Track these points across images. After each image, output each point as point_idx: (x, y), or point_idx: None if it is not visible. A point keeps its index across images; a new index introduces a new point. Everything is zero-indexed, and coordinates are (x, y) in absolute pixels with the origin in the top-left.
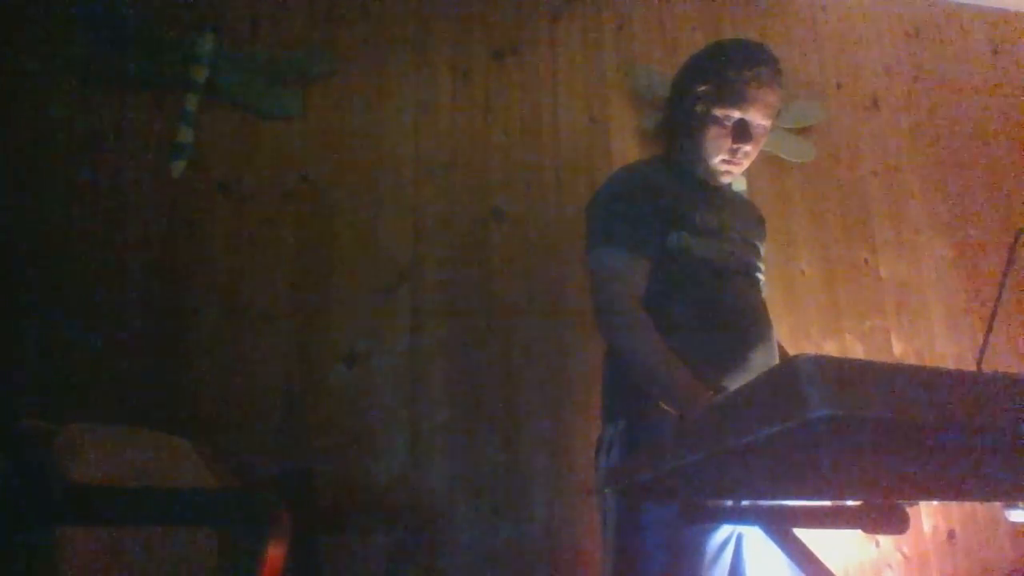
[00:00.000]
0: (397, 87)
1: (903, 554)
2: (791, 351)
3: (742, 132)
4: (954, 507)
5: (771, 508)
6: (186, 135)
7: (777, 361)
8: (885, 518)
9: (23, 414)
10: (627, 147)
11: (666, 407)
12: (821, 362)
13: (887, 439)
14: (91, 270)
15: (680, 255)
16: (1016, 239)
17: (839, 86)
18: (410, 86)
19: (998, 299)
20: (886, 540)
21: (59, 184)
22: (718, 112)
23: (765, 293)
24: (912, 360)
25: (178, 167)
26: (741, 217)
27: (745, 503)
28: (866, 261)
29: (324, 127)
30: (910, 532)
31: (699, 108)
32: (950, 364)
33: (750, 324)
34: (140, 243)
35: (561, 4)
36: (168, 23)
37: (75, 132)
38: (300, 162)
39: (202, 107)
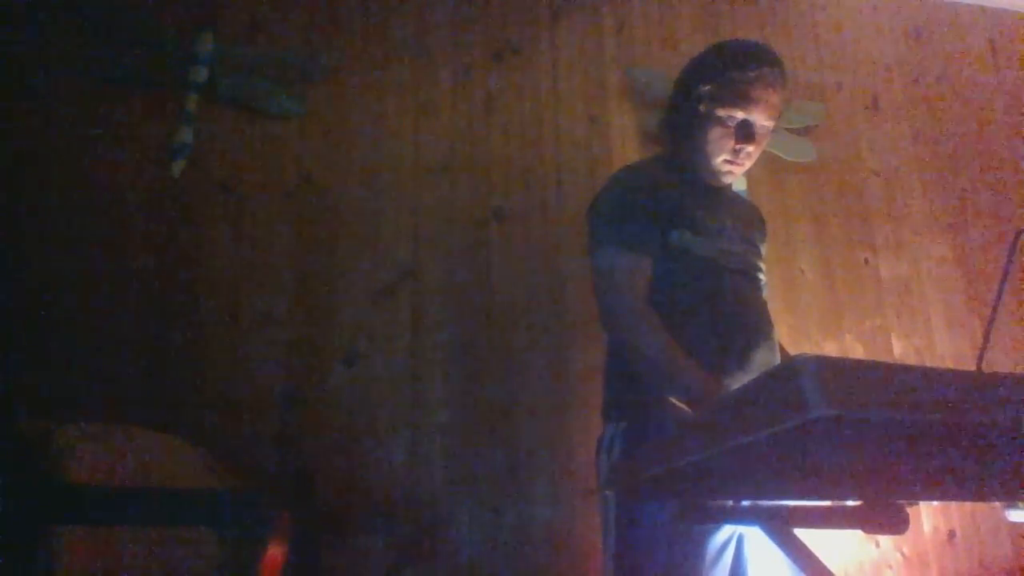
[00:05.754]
0: (397, 87)
1: (903, 554)
2: (791, 351)
3: (745, 133)
4: (954, 507)
5: (771, 508)
6: (186, 135)
7: (778, 361)
8: (885, 518)
9: (23, 414)
10: (627, 147)
11: (677, 402)
12: (821, 362)
13: (887, 439)
14: (91, 270)
15: (681, 254)
16: (1016, 239)
17: (839, 86)
18: (410, 86)
19: (998, 299)
20: (886, 540)
21: (59, 184)
22: (721, 112)
23: (766, 293)
24: (912, 360)
25: (178, 167)
26: (742, 217)
27: (745, 503)
28: (866, 261)
29: (324, 127)
30: (910, 532)
31: (702, 108)
32: (950, 364)
33: (751, 324)
34: (140, 243)
35: (561, 3)
36: (168, 23)
37: (75, 132)
38: (300, 162)
39: (202, 107)
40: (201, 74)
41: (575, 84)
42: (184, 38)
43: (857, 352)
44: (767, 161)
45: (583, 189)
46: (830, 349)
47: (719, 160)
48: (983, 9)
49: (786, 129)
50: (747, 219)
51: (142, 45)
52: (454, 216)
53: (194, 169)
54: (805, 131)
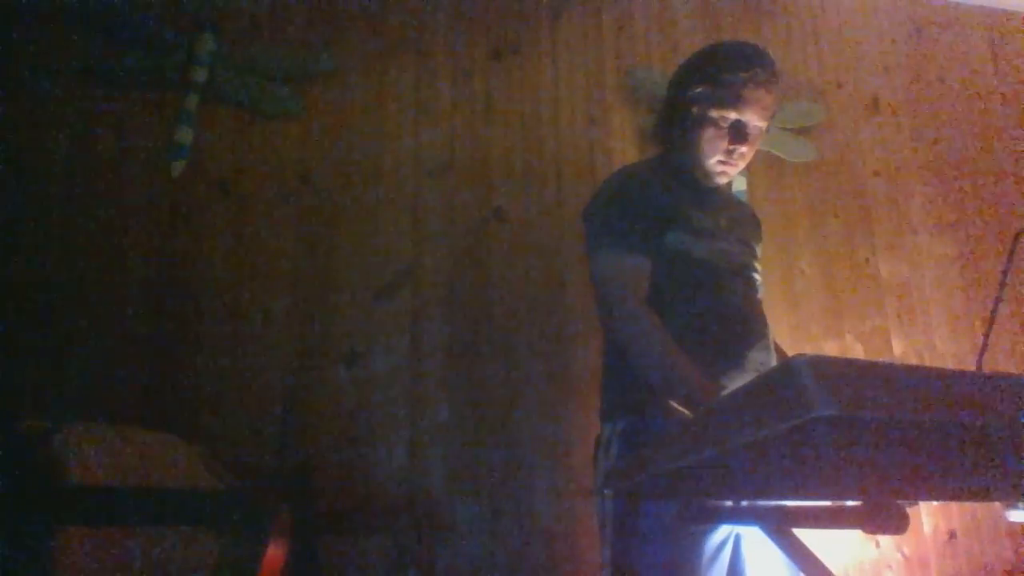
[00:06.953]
0: (397, 87)
1: (903, 554)
2: (791, 351)
3: (738, 133)
4: (954, 507)
5: (771, 508)
6: (186, 135)
7: (775, 361)
8: (885, 518)
9: (23, 414)
10: (627, 147)
11: (677, 406)
12: (821, 362)
13: (887, 439)
14: (91, 270)
15: (677, 256)
16: (1016, 239)
17: (839, 86)
18: (410, 86)
19: (998, 299)
20: (886, 540)
21: (59, 184)
22: (714, 113)
23: (761, 294)
24: (912, 360)
25: (178, 167)
26: (737, 218)
27: (745, 503)
28: (866, 261)
29: (324, 127)
30: (910, 532)
31: (695, 109)
32: (950, 364)
33: (747, 324)
34: (140, 243)
35: (561, 3)
36: (168, 23)
37: (75, 132)
38: (300, 162)
39: (202, 107)
40: (201, 74)
41: (575, 84)
42: (184, 38)
43: (857, 352)
44: (767, 161)
45: (583, 189)
46: (830, 349)
47: (713, 161)
48: (983, 9)
49: (786, 129)
50: (742, 220)
51: (142, 45)
52: (454, 216)
53: (194, 169)
54: (805, 131)
